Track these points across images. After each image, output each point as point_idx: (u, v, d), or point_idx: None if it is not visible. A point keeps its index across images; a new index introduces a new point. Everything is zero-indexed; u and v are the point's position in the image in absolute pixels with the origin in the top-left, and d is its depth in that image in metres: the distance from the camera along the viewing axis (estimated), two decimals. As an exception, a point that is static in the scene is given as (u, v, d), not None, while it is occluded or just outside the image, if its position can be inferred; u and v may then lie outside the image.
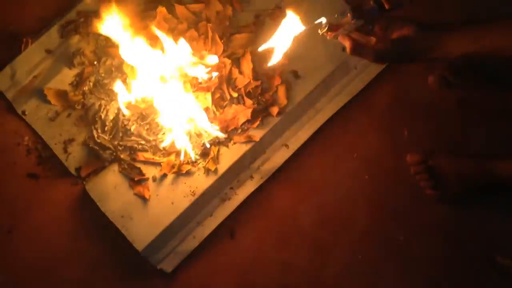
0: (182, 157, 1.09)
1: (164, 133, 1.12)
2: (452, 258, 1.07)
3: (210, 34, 1.13)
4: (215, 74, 1.10)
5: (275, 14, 1.18)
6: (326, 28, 0.82)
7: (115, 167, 1.11)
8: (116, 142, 1.11)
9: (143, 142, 1.12)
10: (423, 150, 1.09)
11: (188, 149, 1.09)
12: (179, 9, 1.16)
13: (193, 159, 1.10)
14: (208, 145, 1.10)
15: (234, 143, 1.12)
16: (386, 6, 0.78)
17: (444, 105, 1.15)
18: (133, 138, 1.12)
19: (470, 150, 1.12)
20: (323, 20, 0.82)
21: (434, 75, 1.16)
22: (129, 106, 1.09)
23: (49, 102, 1.14)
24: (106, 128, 1.12)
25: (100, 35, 1.14)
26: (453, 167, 1.07)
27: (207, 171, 1.10)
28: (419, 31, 0.78)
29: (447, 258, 1.08)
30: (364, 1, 0.80)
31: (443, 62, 0.99)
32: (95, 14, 1.16)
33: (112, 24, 1.01)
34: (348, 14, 0.79)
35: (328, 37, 0.83)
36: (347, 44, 0.80)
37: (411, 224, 1.10)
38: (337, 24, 0.81)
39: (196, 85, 1.11)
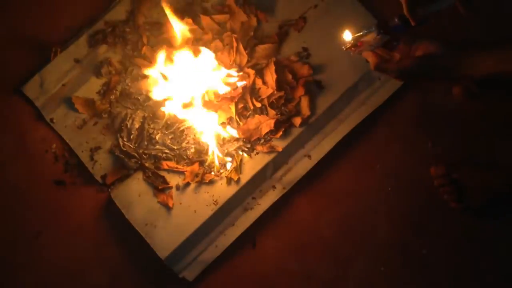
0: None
1: (188, 142, 1.13)
2: (475, 272, 1.06)
3: (234, 44, 1.14)
4: (240, 83, 1.11)
5: (299, 24, 1.19)
6: (351, 43, 0.82)
7: (139, 175, 1.13)
8: (141, 151, 1.13)
9: (167, 151, 1.13)
10: (447, 163, 1.08)
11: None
12: (205, 19, 1.17)
13: (217, 164, 1.11)
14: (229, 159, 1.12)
15: (257, 153, 1.13)
16: (412, 23, 0.78)
17: (469, 116, 1.13)
18: (157, 147, 1.13)
19: (494, 163, 1.10)
20: (348, 36, 0.82)
21: (458, 86, 1.15)
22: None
23: (76, 110, 1.16)
24: (131, 137, 1.14)
25: (127, 44, 1.17)
26: (477, 179, 1.06)
27: (230, 180, 1.11)
28: (444, 49, 0.77)
29: (470, 272, 1.06)
30: (389, 17, 0.80)
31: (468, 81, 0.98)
32: (122, 24, 1.18)
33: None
34: (374, 30, 0.79)
35: (352, 54, 0.83)
36: (370, 59, 0.81)
37: (435, 237, 1.09)
38: (361, 39, 0.81)
39: (220, 96, 1.12)
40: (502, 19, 1.16)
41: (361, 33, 0.81)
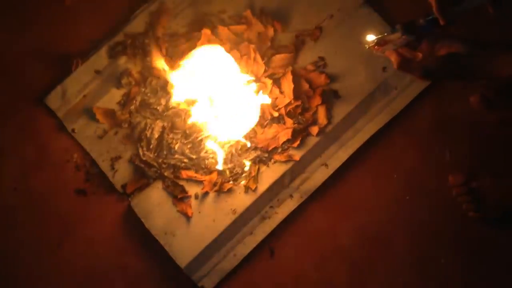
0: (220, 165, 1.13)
1: (206, 151, 1.14)
2: (494, 282, 1.05)
3: (252, 54, 1.16)
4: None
5: (315, 34, 1.20)
6: (374, 42, 0.81)
7: (159, 184, 1.14)
8: (160, 160, 1.14)
9: (186, 160, 1.14)
10: (465, 172, 1.08)
11: (219, 156, 1.12)
12: (222, 30, 1.19)
13: (220, 167, 1.12)
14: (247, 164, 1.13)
15: (274, 162, 1.13)
16: (442, 22, 0.76)
17: (487, 125, 1.12)
18: (176, 156, 1.14)
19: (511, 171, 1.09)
20: (371, 36, 0.82)
21: (475, 95, 1.14)
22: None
23: (97, 121, 1.17)
24: (151, 146, 1.15)
25: (146, 56, 1.18)
26: (496, 189, 1.05)
27: (248, 189, 1.12)
28: (468, 48, 0.76)
29: (488, 281, 1.06)
30: (416, 17, 0.79)
31: (492, 81, 0.96)
32: (141, 35, 1.21)
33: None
34: (398, 30, 0.78)
35: (374, 52, 0.82)
36: (394, 58, 0.79)
37: (453, 246, 1.08)
38: (384, 39, 0.81)
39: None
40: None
41: (385, 34, 0.80)
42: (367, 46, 0.83)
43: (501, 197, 1.04)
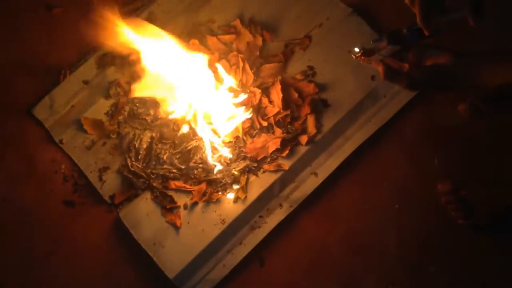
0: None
1: (195, 161, 1.14)
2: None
3: (241, 64, 1.16)
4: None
5: (304, 43, 1.20)
6: (361, 52, 0.81)
7: (147, 195, 1.14)
8: (149, 171, 1.14)
9: (175, 170, 1.14)
10: (454, 179, 1.08)
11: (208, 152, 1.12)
12: (211, 40, 1.19)
13: (211, 161, 1.12)
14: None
15: (264, 171, 1.13)
16: (426, 33, 0.76)
17: (475, 133, 1.13)
18: (165, 166, 1.14)
19: (502, 179, 1.09)
20: (358, 45, 0.82)
21: (464, 103, 1.15)
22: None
23: (85, 131, 1.17)
24: (139, 157, 1.15)
25: (134, 66, 1.18)
26: (485, 196, 1.05)
27: (237, 199, 1.12)
28: (456, 59, 0.76)
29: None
30: (401, 27, 0.79)
31: (479, 91, 0.97)
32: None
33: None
34: (384, 40, 0.79)
35: (361, 62, 0.83)
36: (380, 69, 0.79)
37: (443, 254, 1.08)
38: (371, 49, 0.81)
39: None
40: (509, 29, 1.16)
41: (371, 43, 0.81)
42: (354, 57, 0.83)
43: (490, 205, 1.04)
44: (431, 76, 0.77)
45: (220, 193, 1.12)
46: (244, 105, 1.12)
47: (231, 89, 1.12)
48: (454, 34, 0.89)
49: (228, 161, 1.13)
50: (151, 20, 1.21)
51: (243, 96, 1.12)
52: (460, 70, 0.75)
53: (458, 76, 0.76)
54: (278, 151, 1.13)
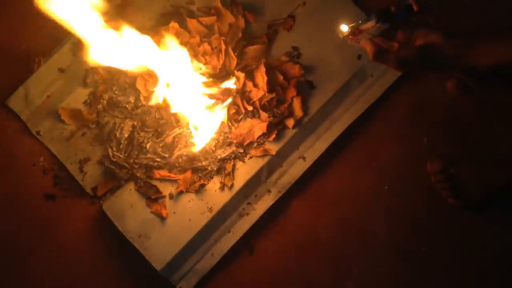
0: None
1: (179, 149, 1.10)
2: (475, 267, 1.06)
3: (223, 47, 1.12)
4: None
5: (288, 23, 1.16)
6: (348, 31, 0.78)
7: (131, 186, 1.11)
8: (131, 160, 1.11)
9: (158, 159, 1.11)
10: (444, 158, 1.07)
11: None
12: (191, 22, 1.15)
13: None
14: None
15: (250, 157, 1.11)
16: (415, 8, 0.74)
17: (464, 111, 1.12)
18: (148, 155, 1.11)
19: (491, 157, 1.09)
20: (345, 25, 0.79)
21: (452, 80, 1.13)
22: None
23: (63, 122, 1.13)
24: (121, 146, 1.11)
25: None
26: (475, 174, 1.05)
27: (224, 186, 1.09)
28: (447, 38, 0.73)
29: (470, 267, 1.06)
30: (390, 4, 0.76)
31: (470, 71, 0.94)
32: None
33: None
34: (373, 18, 0.76)
35: (349, 41, 0.80)
36: (369, 48, 0.77)
37: (433, 233, 1.09)
38: (359, 28, 0.78)
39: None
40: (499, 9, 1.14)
41: (359, 22, 0.78)
42: (341, 36, 0.80)
43: (480, 183, 1.04)
44: (422, 56, 0.74)
45: (206, 180, 1.10)
46: (217, 98, 1.08)
47: (206, 84, 1.09)
48: (445, 11, 0.87)
49: (213, 148, 1.10)
50: (127, 4, 1.16)
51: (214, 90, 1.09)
52: (452, 50, 0.72)
53: (449, 56, 0.73)
54: (265, 135, 1.10)
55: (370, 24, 0.76)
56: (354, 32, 0.78)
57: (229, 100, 1.08)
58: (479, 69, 0.73)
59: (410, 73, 1.13)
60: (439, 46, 0.73)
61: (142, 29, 1.14)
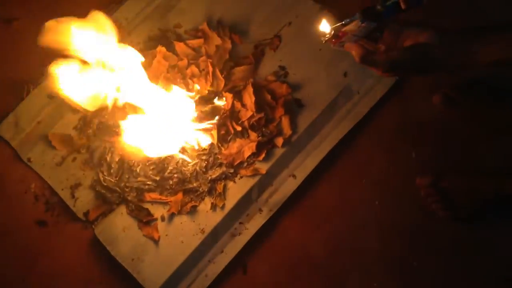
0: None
1: (170, 172, 1.11)
2: (467, 280, 1.06)
3: (210, 69, 1.13)
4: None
5: (274, 43, 1.18)
6: (331, 34, 0.72)
7: (123, 209, 1.11)
8: (122, 184, 1.11)
9: (149, 182, 1.11)
10: (432, 172, 1.08)
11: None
12: (179, 46, 1.16)
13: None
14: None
15: (241, 177, 1.11)
16: (402, 6, 0.68)
17: (451, 123, 1.13)
18: (139, 179, 1.11)
19: (479, 168, 1.09)
20: (327, 26, 0.72)
21: (438, 94, 1.14)
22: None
23: (54, 148, 1.13)
24: (112, 171, 1.11)
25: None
26: (464, 186, 1.06)
27: (215, 207, 1.10)
28: (438, 37, 0.68)
29: (462, 280, 1.06)
30: (375, 2, 0.70)
31: (465, 72, 0.87)
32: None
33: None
34: (357, 18, 0.69)
35: (332, 46, 0.73)
36: (355, 51, 0.71)
37: (425, 247, 1.08)
38: (343, 29, 0.71)
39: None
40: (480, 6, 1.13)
41: (342, 22, 0.71)
42: (323, 40, 0.73)
43: (470, 194, 1.04)
44: (412, 58, 0.68)
45: (197, 202, 1.10)
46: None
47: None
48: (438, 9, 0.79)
49: (204, 169, 1.11)
50: (114, 28, 1.17)
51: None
52: (445, 50, 0.68)
53: (443, 57, 0.68)
54: (254, 155, 1.11)
55: (354, 25, 0.70)
56: (337, 34, 0.71)
57: (216, 119, 1.09)
58: (474, 68, 0.70)
59: (397, 83, 1.13)
60: (431, 46, 0.68)
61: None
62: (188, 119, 1.07)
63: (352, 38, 0.71)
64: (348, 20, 0.71)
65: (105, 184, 1.11)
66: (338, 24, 0.71)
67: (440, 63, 0.69)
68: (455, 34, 0.68)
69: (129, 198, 1.10)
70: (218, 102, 1.10)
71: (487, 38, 0.68)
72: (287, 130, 1.12)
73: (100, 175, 1.11)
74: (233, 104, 1.12)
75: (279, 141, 1.12)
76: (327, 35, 0.72)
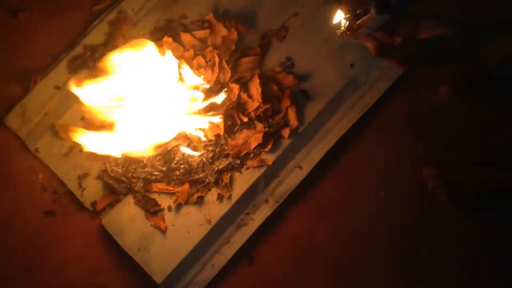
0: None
1: (176, 162, 1.11)
2: (474, 270, 1.06)
3: (217, 60, 1.13)
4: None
5: (281, 34, 1.17)
6: (346, 27, 0.71)
7: (130, 200, 1.11)
8: (129, 175, 1.11)
9: (156, 172, 1.11)
10: (439, 163, 1.08)
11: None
12: (185, 36, 1.16)
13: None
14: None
15: (247, 168, 1.11)
16: None
17: (457, 115, 1.13)
18: (146, 169, 1.11)
19: (486, 160, 1.09)
20: (341, 18, 0.72)
21: (445, 86, 1.14)
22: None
23: (61, 138, 1.14)
24: (119, 161, 1.12)
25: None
26: (470, 178, 1.06)
27: (222, 198, 1.10)
28: (455, 30, 0.67)
29: (469, 270, 1.06)
30: None
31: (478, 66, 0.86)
32: (101, 47, 1.16)
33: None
34: (371, 10, 0.69)
35: (347, 38, 0.73)
36: (370, 44, 0.71)
37: (432, 238, 1.09)
38: (358, 22, 0.71)
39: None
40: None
41: (357, 12, 0.71)
42: (338, 33, 0.73)
43: (475, 186, 1.05)
44: (428, 50, 0.68)
45: (204, 192, 1.10)
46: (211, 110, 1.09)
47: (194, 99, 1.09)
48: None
49: (210, 160, 1.11)
50: (121, 21, 1.17)
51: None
52: (464, 43, 0.67)
53: (458, 50, 0.68)
54: (261, 146, 1.11)
55: (368, 17, 0.70)
56: (352, 27, 0.71)
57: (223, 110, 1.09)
58: (489, 62, 0.69)
59: (401, 78, 1.13)
60: (448, 39, 0.68)
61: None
62: (194, 110, 1.07)
63: (367, 30, 0.71)
64: (361, 10, 0.71)
65: (112, 174, 1.11)
66: (351, 15, 0.72)
67: (455, 56, 0.69)
68: (471, 28, 0.68)
69: (136, 188, 1.10)
70: (222, 95, 1.09)
71: (500, 33, 0.68)
72: (293, 121, 1.12)
73: (107, 165, 1.12)
74: (239, 95, 1.12)
75: (286, 132, 1.11)
76: (342, 28, 0.72)
